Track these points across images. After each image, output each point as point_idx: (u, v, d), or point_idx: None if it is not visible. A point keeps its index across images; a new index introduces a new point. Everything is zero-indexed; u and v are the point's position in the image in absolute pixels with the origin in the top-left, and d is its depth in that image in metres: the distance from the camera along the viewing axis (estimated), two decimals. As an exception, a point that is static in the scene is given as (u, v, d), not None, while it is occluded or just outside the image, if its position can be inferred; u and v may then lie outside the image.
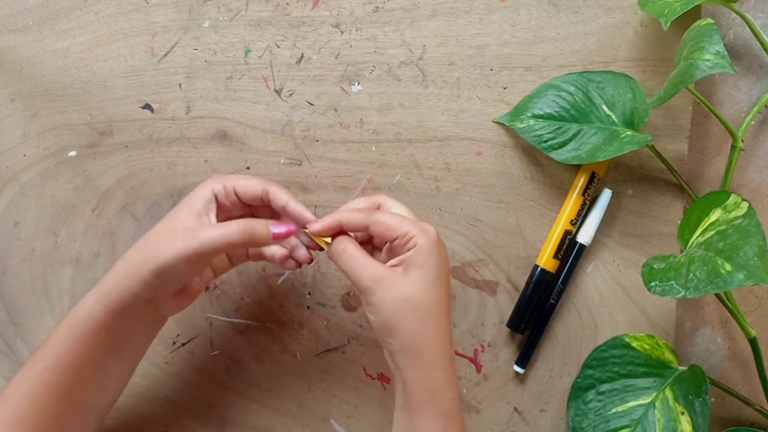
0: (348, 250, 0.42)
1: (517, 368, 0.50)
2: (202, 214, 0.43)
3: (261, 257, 0.47)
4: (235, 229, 0.41)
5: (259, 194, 0.44)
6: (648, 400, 0.45)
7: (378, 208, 0.44)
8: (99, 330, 0.41)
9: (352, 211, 0.43)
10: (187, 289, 0.45)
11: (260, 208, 0.46)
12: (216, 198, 0.44)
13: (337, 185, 0.52)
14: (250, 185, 0.44)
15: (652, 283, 0.41)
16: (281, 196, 0.44)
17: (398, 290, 0.40)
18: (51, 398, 0.41)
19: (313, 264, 0.52)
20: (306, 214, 0.44)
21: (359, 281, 0.41)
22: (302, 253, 0.45)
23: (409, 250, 0.41)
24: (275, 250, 0.46)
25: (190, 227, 0.42)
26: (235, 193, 0.44)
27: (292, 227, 0.43)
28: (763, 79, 0.50)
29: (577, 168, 0.50)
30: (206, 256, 0.41)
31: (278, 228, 0.43)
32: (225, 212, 0.45)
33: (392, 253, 0.43)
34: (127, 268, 0.41)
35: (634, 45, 0.49)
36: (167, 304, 0.44)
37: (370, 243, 0.47)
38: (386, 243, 0.45)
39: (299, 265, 0.46)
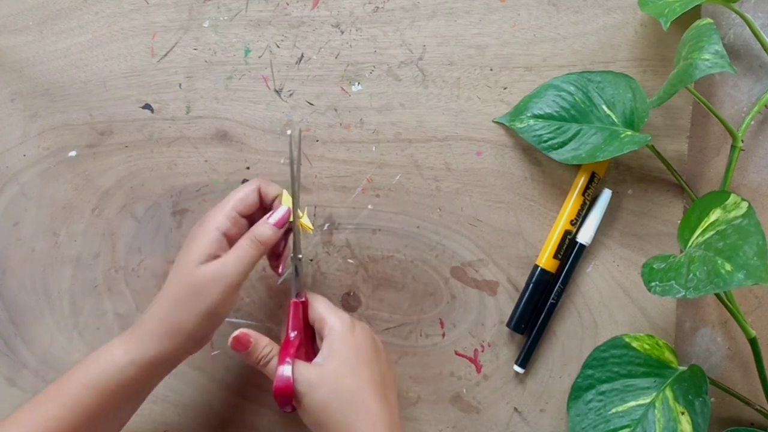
0: (272, 359, 0.44)
1: (517, 368, 0.50)
2: (212, 256, 0.43)
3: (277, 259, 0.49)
4: (246, 246, 0.43)
5: (256, 199, 0.45)
6: (648, 400, 0.45)
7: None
8: (130, 386, 0.42)
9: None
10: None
11: (258, 213, 0.47)
12: (225, 236, 0.43)
13: (337, 185, 0.52)
14: (246, 198, 0.45)
15: (652, 283, 0.41)
16: (271, 190, 0.46)
17: (320, 388, 0.41)
18: None
19: (312, 264, 0.52)
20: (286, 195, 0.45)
21: (294, 386, 0.42)
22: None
23: (324, 337, 0.43)
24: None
25: (211, 273, 0.42)
26: (240, 215, 0.44)
27: (284, 207, 0.45)
28: (763, 79, 0.50)
29: (577, 168, 0.50)
30: (238, 286, 0.43)
31: (274, 216, 0.44)
32: (235, 237, 0.45)
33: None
34: (169, 327, 0.42)
35: (634, 45, 0.49)
36: (201, 345, 0.45)
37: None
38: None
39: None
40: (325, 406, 0.41)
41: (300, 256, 0.46)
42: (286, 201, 0.45)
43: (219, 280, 0.42)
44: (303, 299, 0.46)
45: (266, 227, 0.44)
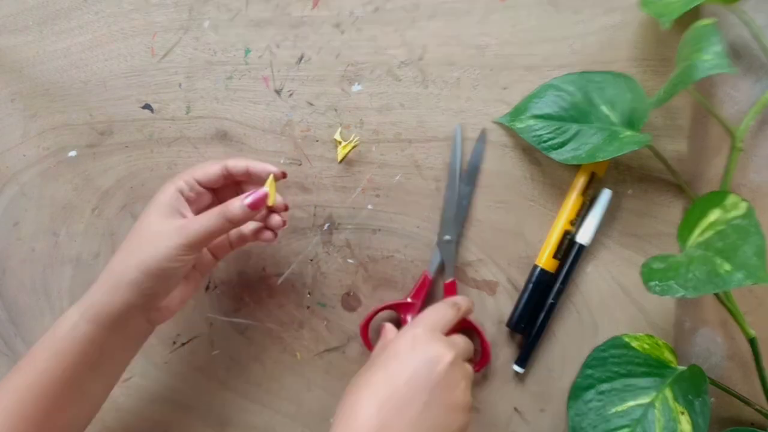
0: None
1: (516, 368, 0.50)
2: (174, 212, 0.43)
3: (243, 241, 0.48)
4: (213, 217, 0.42)
5: (219, 173, 0.45)
6: (648, 400, 0.45)
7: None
8: (83, 346, 0.41)
9: None
10: (175, 293, 0.45)
11: (225, 190, 0.47)
12: (182, 195, 0.44)
13: (337, 185, 0.52)
14: (208, 169, 0.45)
15: (652, 283, 0.41)
16: (239, 162, 0.45)
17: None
18: (25, 417, 0.40)
19: (313, 264, 0.52)
20: (270, 167, 0.45)
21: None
22: (275, 220, 0.46)
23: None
24: (250, 226, 0.47)
25: (171, 226, 0.42)
26: (198, 183, 0.44)
27: (263, 190, 0.44)
28: (763, 79, 0.50)
29: (576, 168, 0.50)
30: (193, 248, 0.42)
31: (250, 197, 0.43)
32: (194, 206, 0.45)
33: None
34: (115, 278, 0.41)
35: (634, 45, 0.49)
36: (157, 311, 0.44)
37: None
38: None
39: (275, 235, 0.46)
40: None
41: (448, 237, 0.50)
42: (270, 186, 0.44)
43: (176, 232, 0.41)
44: (450, 280, 0.50)
45: (237, 205, 0.42)
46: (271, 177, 0.45)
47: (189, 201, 0.44)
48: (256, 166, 0.45)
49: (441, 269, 0.51)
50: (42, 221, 0.54)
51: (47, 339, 0.42)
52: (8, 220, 0.54)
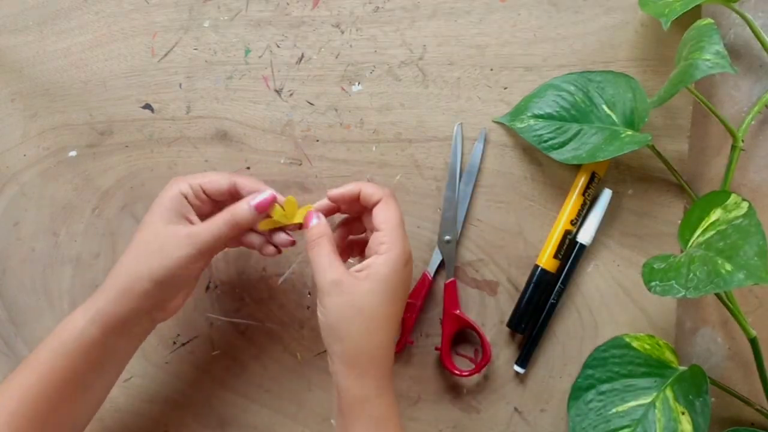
0: (321, 242, 0.42)
1: (517, 368, 0.50)
2: (181, 217, 0.43)
3: (240, 243, 0.47)
4: (221, 222, 0.42)
5: (225, 188, 0.44)
6: (648, 400, 0.45)
7: (374, 204, 0.43)
8: (90, 350, 0.41)
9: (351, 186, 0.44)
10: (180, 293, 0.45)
11: (227, 202, 0.46)
12: (186, 199, 0.43)
13: (337, 185, 0.52)
14: (216, 181, 0.44)
15: (653, 283, 0.41)
16: (249, 183, 0.44)
17: (352, 297, 0.40)
18: (29, 417, 0.40)
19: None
20: (279, 196, 0.44)
21: (318, 279, 0.41)
22: (281, 237, 0.46)
23: (379, 255, 0.41)
24: (254, 238, 0.46)
25: (181, 233, 0.42)
26: (203, 191, 0.44)
27: (269, 193, 0.43)
28: (763, 79, 0.50)
29: (577, 168, 0.50)
30: (204, 256, 0.42)
31: (257, 199, 0.43)
32: (195, 211, 0.45)
33: (366, 253, 0.43)
34: (123, 285, 0.41)
35: (634, 45, 0.49)
36: (162, 312, 0.44)
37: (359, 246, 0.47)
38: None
39: (279, 251, 0.46)
40: (349, 315, 0.40)
41: (447, 238, 0.49)
42: (290, 205, 0.44)
43: (187, 241, 0.41)
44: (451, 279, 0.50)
45: (245, 206, 0.43)
46: (290, 197, 0.45)
47: (193, 208, 0.44)
48: (266, 190, 0.44)
49: (441, 269, 0.51)
50: (42, 221, 0.54)
51: (52, 342, 0.41)
52: (8, 220, 0.54)
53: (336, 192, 0.44)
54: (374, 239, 0.42)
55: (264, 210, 0.43)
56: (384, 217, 0.42)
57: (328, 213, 0.45)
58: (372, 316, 0.40)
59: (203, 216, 0.44)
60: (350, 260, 0.49)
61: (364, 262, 0.42)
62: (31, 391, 0.40)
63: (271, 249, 0.46)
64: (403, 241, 0.42)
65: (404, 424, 0.51)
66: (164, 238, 0.42)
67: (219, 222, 0.42)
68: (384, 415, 0.41)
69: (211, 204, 0.45)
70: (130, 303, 0.41)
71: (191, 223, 0.43)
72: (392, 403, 0.42)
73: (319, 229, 0.43)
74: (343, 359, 0.40)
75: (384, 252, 0.41)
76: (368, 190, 0.43)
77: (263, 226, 0.45)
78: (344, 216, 0.47)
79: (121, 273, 0.42)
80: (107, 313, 0.41)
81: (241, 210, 0.43)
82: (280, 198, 0.44)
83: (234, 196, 0.45)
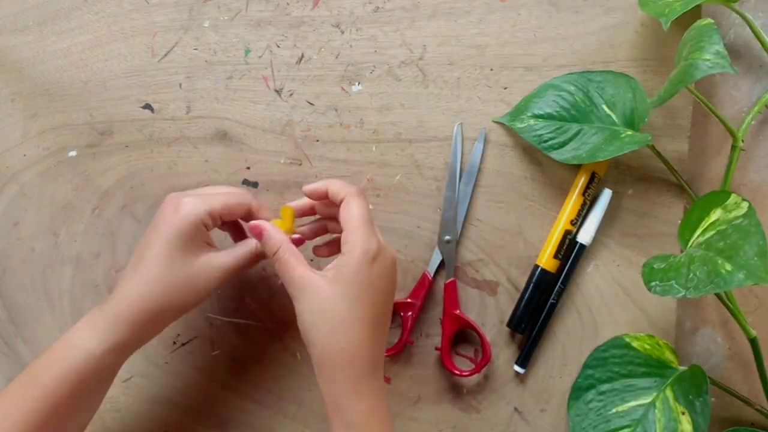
0: (280, 253, 0.41)
1: (517, 368, 0.50)
2: (204, 244, 0.43)
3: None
4: (248, 253, 0.44)
5: (241, 216, 0.45)
6: (648, 400, 0.45)
7: (340, 201, 0.42)
8: (101, 372, 0.41)
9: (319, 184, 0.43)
10: None
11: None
12: (205, 227, 0.43)
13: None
14: (233, 208, 0.44)
15: (653, 283, 0.41)
16: (266, 213, 0.45)
17: (317, 302, 0.40)
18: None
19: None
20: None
21: (288, 287, 0.41)
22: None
23: (342, 255, 0.41)
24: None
25: (209, 265, 0.42)
26: (221, 217, 0.43)
27: (264, 223, 0.43)
28: (763, 79, 0.50)
29: (577, 168, 0.50)
30: (226, 283, 0.43)
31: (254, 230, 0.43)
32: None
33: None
34: (146, 319, 0.41)
35: (634, 45, 0.49)
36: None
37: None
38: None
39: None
40: (315, 320, 0.39)
41: (447, 238, 0.50)
42: (285, 214, 0.44)
43: (218, 272, 0.42)
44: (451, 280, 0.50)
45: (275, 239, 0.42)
46: (290, 208, 0.45)
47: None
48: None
49: (441, 269, 0.51)
50: (42, 221, 0.53)
51: (63, 366, 0.40)
52: (8, 220, 0.54)
53: (309, 187, 0.44)
54: (342, 239, 0.41)
55: (261, 236, 0.43)
56: (346, 216, 0.41)
57: (306, 212, 0.46)
58: (336, 318, 0.39)
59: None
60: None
61: (334, 263, 0.41)
62: (39, 413, 0.39)
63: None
64: (367, 239, 0.40)
65: (404, 424, 0.51)
66: (196, 272, 0.42)
67: (246, 253, 0.43)
68: (355, 422, 0.40)
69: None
70: (151, 332, 0.42)
71: (210, 246, 0.43)
72: (366, 409, 0.40)
73: (273, 241, 0.42)
74: (315, 364, 0.40)
75: (346, 252, 0.40)
76: (334, 188, 0.43)
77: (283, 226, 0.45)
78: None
79: (144, 307, 0.41)
80: (126, 343, 0.41)
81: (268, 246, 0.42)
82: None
83: (247, 218, 0.45)
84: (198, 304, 0.43)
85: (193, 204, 0.42)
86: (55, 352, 0.41)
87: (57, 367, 0.40)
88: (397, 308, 0.50)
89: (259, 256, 0.44)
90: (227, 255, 0.43)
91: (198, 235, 0.42)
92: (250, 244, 0.44)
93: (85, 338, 0.41)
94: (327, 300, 0.39)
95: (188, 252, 0.41)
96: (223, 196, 0.43)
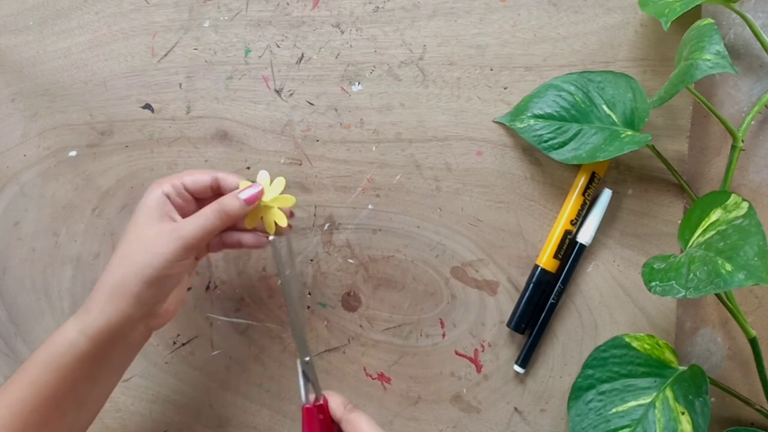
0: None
1: (517, 368, 0.50)
2: (164, 216, 0.43)
3: (223, 245, 0.47)
4: (209, 213, 0.42)
5: (208, 183, 0.44)
6: (648, 400, 0.45)
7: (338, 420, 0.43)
8: (83, 362, 0.40)
9: None
10: (171, 297, 0.44)
11: (209, 200, 0.46)
12: (168, 199, 0.43)
13: (337, 185, 0.52)
14: (197, 178, 0.44)
15: (653, 283, 0.41)
16: (231, 180, 0.44)
17: None
18: (21, 430, 0.39)
19: (313, 264, 0.52)
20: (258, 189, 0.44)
21: None
22: (246, 238, 0.46)
23: None
24: (237, 236, 0.46)
25: (164, 229, 0.41)
26: (186, 189, 0.44)
27: (258, 186, 0.44)
28: (763, 79, 0.50)
29: (577, 168, 0.50)
30: (190, 250, 0.42)
31: (246, 193, 0.43)
32: (179, 210, 0.44)
33: None
34: (112, 291, 0.40)
35: (635, 45, 0.49)
36: (155, 318, 0.43)
37: None
38: None
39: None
40: None
41: (307, 359, 0.45)
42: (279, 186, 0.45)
43: (172, 236, 0.41)
44: (320, 402, 0.44)
45: (234, 199, 0.43)
46: (267, 179, 0.45)
47: (175, 207, 0.44)
48: (248, 188, 0.44)
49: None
50: (42, 221, 0.54)
51: (44, 354, 0.40)
52: (8, 220, 0.54)
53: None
54: None
55: (253, 202, 0.43)
56: (356, 425, 0.43)
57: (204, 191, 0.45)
58: None
59: (187, 216, 0.44)
60: None
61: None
62: (21, 405, 0.39)
63: (253, 238, 0.46)
64: None
65: (404, 424, 0.51)
66: (150, 238, 0.41)
67: (207, 213, 0.42)
68: None
69: (194, 203, 0.45)
70: (120, 309, 0.40)
71: (173, 219, 0.43)
72: None
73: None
74: None
75: None
76: (332, 405, 0.44)
77: (250, 223, 0.45)
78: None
79: (107, 279, 0.41)
80: (97, 323, 0.40)
81: (230, 201, 0.42)
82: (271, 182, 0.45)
83: (216, 193, 0.45)
84: (164, 279, 0.41)
85: (158, 181, 0.44)
86: (47, 341, 0.41)
87: (42, 354, 0.41)
88: None
89: (224, 220, 0.42)
90: (184, 220, 0.42)
91: (161, 207, 0.42)
92: (212, 209, 0.42)
93: (68, 327, 0.41)
94: None
95: (149, 222, 0.42)
96: (188, 170, 0.45)
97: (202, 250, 0.47)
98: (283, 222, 0.45)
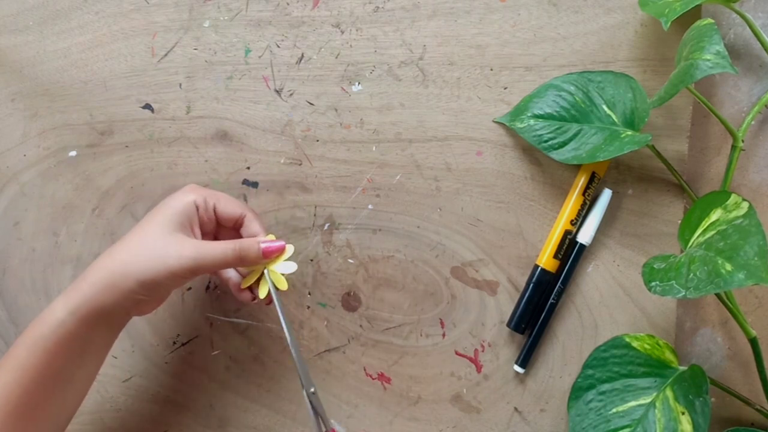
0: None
1: (517, 368, 0.50)
2: (186, 226, 0.43)
3: (218, 274, 0.48)
4: (230, 251, 0.42)
5: (237, 217, 0.45)
6: (648, 400, 0.45)
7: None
8: (70, 341, 0.40)
9: None
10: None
11: (227, 231, 0.47)
12: (197, 210, 0.43)
13: (337, 185, 0.52)
14: (230, 208, 0.45)
15: (653, 283, 0.41)
16: (255, 227, 0.45)
17: None
18: (11, 413, 0.40)
19: (313, 264, 0.52)
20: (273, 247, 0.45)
21: None
22: (244, 295, 0.47)
23: None
24: (232, 275, 0.47)
25: (182, 244, 0.41)
26: (214, 210, 0.44)
27: (281, 244, 0.44)
28: (763, 79, 0.50)
29: (577, 168, 0.50)
30: (199, 273, 0.42)
31: (269, 244, 0.44)
32: (200, 225, 0.45)
33: None
34: (108, 280, 0.41)
35: (635, 45, 0.49)
36: (138, 311, 0.44)
37: None
38: None
39: (254, 297, 0.47)
40: None
41: (312, 389, 0.45)
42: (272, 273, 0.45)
43: (187, 254, 0.41)
44: None
45: (255, 245, 0.43)
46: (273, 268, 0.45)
47: (198, 220, 0.44)
48: (271, 241, 0.45)
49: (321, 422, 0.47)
50: (42, 221, 0.54)
51: (31, 334, 0.41)
52: (8, 220, 0.54)
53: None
54: None
55: (270, 256, 0.44)
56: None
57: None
58: None
59: (203, 233, 0.44)
60: None
61: None
62: (15, 387, 0.40)
63: (248, 295, 0.47)
64: None
65: (404, 424, 0.51)
66: (164, 244, 0.41)
67: (228, 249, 0.42)
68: None
69: (215, 225, 0.46)
70: (113, 299, 0.41)
71: (194, 235, 0.43)
72: None
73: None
74: None
75: None
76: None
77: (246, 282, 0.46)
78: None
79: (107, 265, 0.41)
80: (86, 304, 0.40)
81: (251, 248, 0.43)
82: (289, 248, 0.45)
83: (237, 226, 0.46)
84: (162, 286, 0.41)
85: (193, 186, 0.44)
86: (33, 321, 0.41)
87: (29, 336, 0.41)
88: None
89: (238, 263, 0.43)
90: (207, 244, 0.42)
91: (188, 215, 0.43)
92: (233, 248, 0.43)
93: (56, 306, 0.41)
94: None
95: (170, 227, 0.42)
96: (221, 194, 0.46)
97: (209, 272, 0.48)
98: (283, 286, 0.45)
